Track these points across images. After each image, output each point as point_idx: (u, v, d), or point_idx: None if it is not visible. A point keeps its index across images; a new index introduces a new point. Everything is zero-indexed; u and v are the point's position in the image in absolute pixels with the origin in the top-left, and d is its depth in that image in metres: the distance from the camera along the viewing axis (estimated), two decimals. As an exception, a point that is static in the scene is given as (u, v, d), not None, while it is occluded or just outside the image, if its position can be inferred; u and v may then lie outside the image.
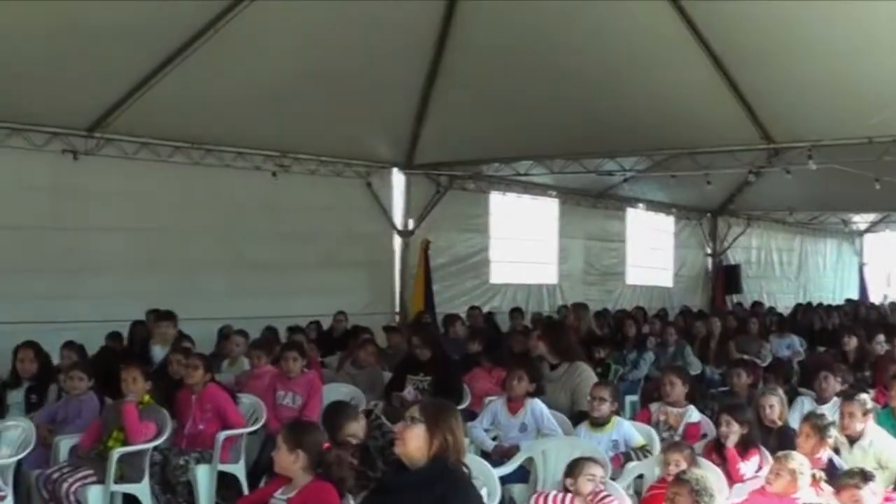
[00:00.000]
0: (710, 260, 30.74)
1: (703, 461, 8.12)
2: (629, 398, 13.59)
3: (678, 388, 9.85)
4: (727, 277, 30.16)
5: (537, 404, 9.68)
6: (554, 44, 14.18)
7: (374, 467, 7.25)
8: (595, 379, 10.46)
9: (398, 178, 20.23)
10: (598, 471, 7.49)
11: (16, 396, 10.57)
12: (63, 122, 14.67)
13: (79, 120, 14.78)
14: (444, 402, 6.11)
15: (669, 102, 15.13)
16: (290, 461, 6.33)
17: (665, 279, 29.31)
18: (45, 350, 11.28)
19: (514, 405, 9.75)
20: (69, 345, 12.44)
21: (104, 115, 14.68)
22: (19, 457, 9.07)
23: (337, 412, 8.07)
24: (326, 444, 6.56)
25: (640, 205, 27.16)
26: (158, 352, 12.55)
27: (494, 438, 9.79)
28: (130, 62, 13.43)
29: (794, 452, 7.53)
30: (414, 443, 5.54)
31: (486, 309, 20.79)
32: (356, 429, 7.68)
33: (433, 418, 5.57)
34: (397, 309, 20.42)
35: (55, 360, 12.17)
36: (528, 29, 13.97)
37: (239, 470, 10.06)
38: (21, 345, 11.01)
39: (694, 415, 9.76)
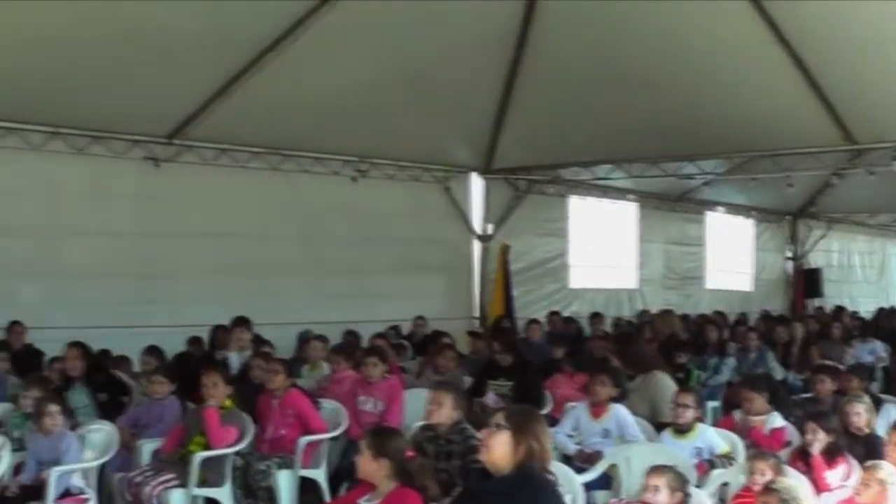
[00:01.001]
0: (790, 263, 30.28)
1: (789, 470, 7.97)
2: (710, 404, 13.43)
3: (757, 403, 9.74)
4: (808, 281, 29.65)
5: (620, 410, 9.61)
6: (632, 46, 14.05)
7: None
8: (673, 387, 10.36)
9: (477, 183, 20.16)
10: (661, 480, 7.31)
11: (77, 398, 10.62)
12: (144, 129, 14.82)
13: (159, 127, 14.92)
14: (530, 408, 6.03)
15: (749, 104, 14.92)
16: (373, 468, 6.27)
17: (744, 283, 28.97)
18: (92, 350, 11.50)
19: (596, 410, 9.68)
20: (150, 349, 12.50)
21: (184, 122, 14.80)
22: (103, 460, 9.18)
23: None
24: (410, 452, 6.49)
25: (720, 208, 26.82)
26: (233, 358, 12.59)
27: (576, 444, 9.70)
28: (210, 69, 13.48)
29: (882, 462, 7.37)
30: (499, 450, 5.49)
31: (565, 314, 20.69)
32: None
33: (519, 425, 5.51)
34: (476, 314, 20.34)
35: (136, 366, 12.37)
36: (606, 32, 13.86)
37: (320, 475, 10.07)
38: (68, 344, 11.20)
39: (777, 420, 9.63)
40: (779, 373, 15.07)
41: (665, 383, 10.36)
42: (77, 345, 11.16)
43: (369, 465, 6.29)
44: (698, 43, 13.76)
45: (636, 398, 10.25)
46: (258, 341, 13.30)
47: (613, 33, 13.84)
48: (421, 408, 10.41)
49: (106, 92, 13.13)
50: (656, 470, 7.26)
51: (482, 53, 14.70)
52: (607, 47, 14.21)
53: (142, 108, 13.96)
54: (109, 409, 10.53)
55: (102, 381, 11.04)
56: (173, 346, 13.63)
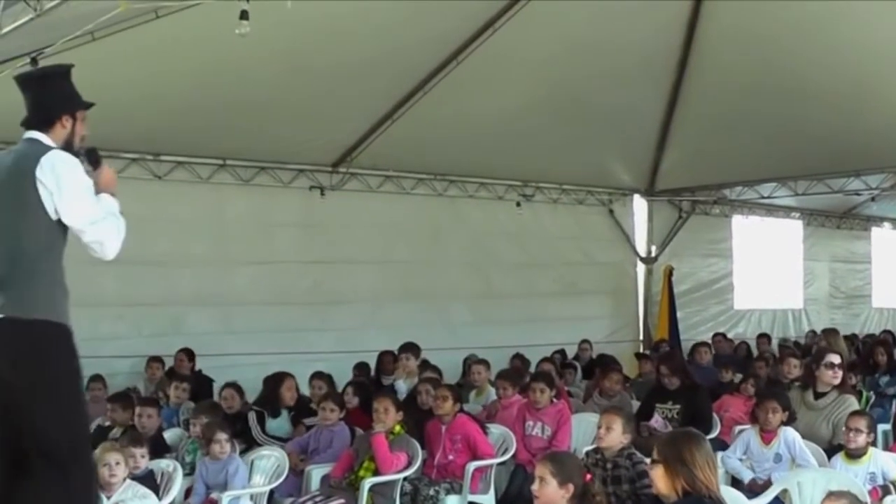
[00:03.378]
0: (959, 279, 29.44)
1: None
2: (881, 427, 13.07)
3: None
4: (978, 297, 28.86)
5: (790, 433, 9.39)
6: (796, 61, 13.82)
7: None
8: (860, 412, 10.09)
9: (640, 205, 20.11)
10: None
11: (278, 425, 10.83)
12: (309, 158, 15.09)
13: (324, 156, 15.17)
14: (683, 435, 5.90)
15: (917, 116, 14.59)
16: (559, 495, 6.23)
17: (913, 301, 28.32)
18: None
19: (767, 436, 9.48)
20: (318, 375, 12.65)
21: (348, 150, 15.01)
22: (273, 485, 9.29)
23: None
24: (588, 476, 6.45)
25: (886, 224, 26.29)
26: (400, 384, 12.69)
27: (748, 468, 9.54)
28: (373, 98, 13.65)
29: None
30: (660, 483, 5.52)
31: (730, 335, 20.39)
32: None
33: (669, 457, 5.49)
34: (641, 336, 20.20)
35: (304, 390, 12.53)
36: (768, 48, 13.66)
37: (489, 500, 10.01)
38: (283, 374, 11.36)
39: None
40: (950, 395, 14.62)
41: (855, 407, 10.08)
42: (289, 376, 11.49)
43: (555, 493, 6.24)
44: (862, 54, 13.46)
45: (821, 417, 10.02)
46: (425, 366, 13.36)
47: (775, 49, 13.64)
48: (588, 432, 10.43)
49: (272, 123, 13.38)
50: (834, 496, 7.09)
51: (644, 74, 14.61)
52: (769, 64, 14.00)
53: (307, 137, 14.22)
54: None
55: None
56: (340, 371, 13.70)
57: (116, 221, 5.90)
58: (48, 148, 5.80)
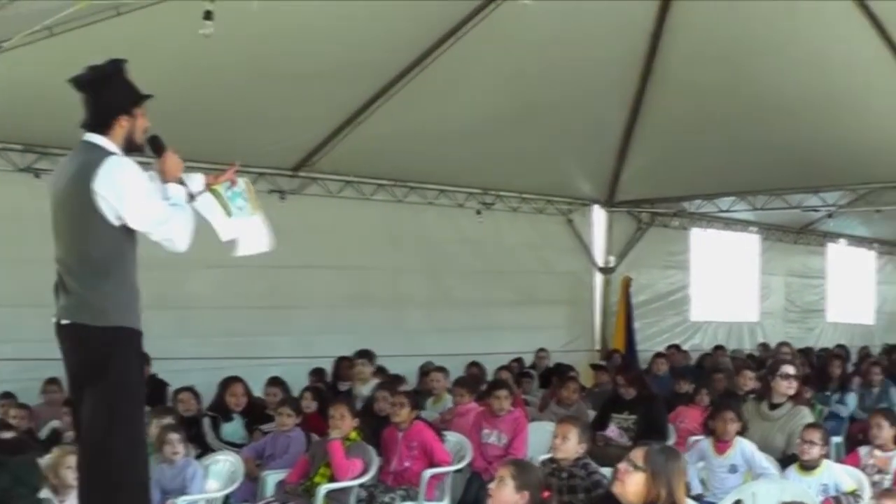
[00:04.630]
0: (911, 296, 29.75)
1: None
2: (834, 439, 13.16)
3: (886, 431, 9.53)
4: (929, 315, 29.15)
5: (746, 444, 9.45)
6: (757, 78, 13.89)
7: None
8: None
9: (599, 215, 20.15)
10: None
11: (233, 430, 10.78)
12: (268, 162, 14.94)
13: (284, 160, 15.07)
14: (672, 450, 5.98)
15: (875, 135, 14.65)
16: (513, 499, 6.23)
17: (866, 316, 28.55)
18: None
19: (722, 446, 9.52)
20: (274, 381, 12.60)
21: (309, 155, 14.94)
22: (227, 491, 9.24)
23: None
24: (547, 492, 6.44)
25: (842, 240, 26.50)
26: (360, 389, 12.68)
27: (701, 481, 9.58)
28: (335, 102, 13.58)
29: None
30: (632, 489, 5.53)
31: (685, 346, 20.50)
32: None
33: (657, 469, 5.52)
34: (598, 346, 20.25)
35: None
36: (731, 65, 13.73)
37: (444, 508, 10.04)
38: (230, 379, 11.32)
39: (904, 459, 9.42)
40: (903, 408, 14.74)
41: (810, 419, 10.15)
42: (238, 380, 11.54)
43: (510, 497, 6.25)
44: (822, 74, 13.57)
45: (775, 428, 10.08)
46: (381, 373, 13.35)
47: (738, 65, 13.71)
48: (544, 441, 10.41)
49: (232, 126, 13.27)
50: (787, 507, 7.16)
51: (606, 86, 14.64)
52: (730, 80, 14.07)
53: (267, 141, 14.10)
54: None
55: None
56: (296, 376, 13.68)
57: (183, 214, 5.94)
58: (105, 155, 5.78)
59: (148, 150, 6.03)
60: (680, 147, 16.38)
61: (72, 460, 7.74)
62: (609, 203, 19.67)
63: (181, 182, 6.09)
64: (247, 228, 6.55)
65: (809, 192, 18.68)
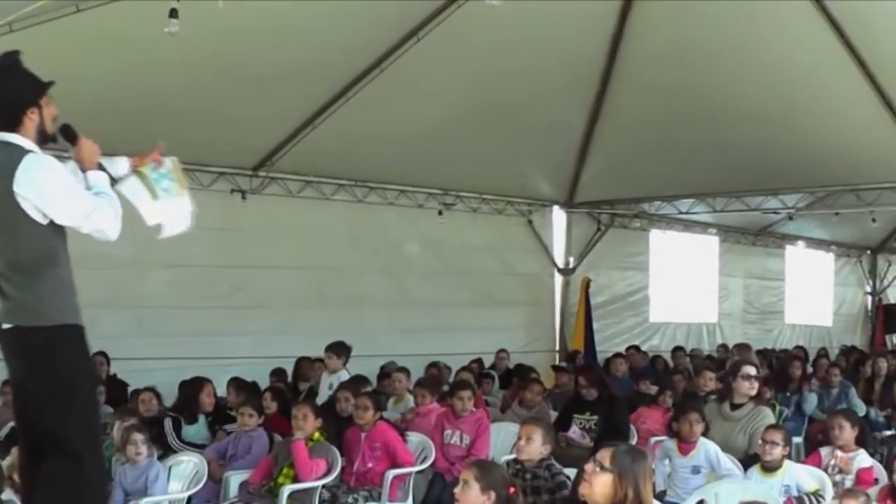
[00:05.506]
0: (869, 298, 29.95)
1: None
2: (793, 440, 13.25)
3: (847, 432, 9.55)
4: (887, 316, 29.23)
5: (710, 445, 9.46)
6: (717, 81, 14.02)
7: None
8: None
9: (559, 216, 20.23)
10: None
11: (196, 431, 10.73)
12: (229, 161, 14.94)
13: (244, 159, 15.04)
14: (638, 451, 5.96)
15: (834, 138, 14.83)
16: (480, 501, 6.21)
17: (824, 318, 28.74)
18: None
19: (686, 447, 9.54)
20: (234, 381, 12.56)
21: (269, 154, 14.92)
22: (191, 492, 9.16)
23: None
24: (513, 489, 6.43)
25: (800, 242, 26.68)
26: (324, 379, 12.67)
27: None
28: (296, 102, 13.59)
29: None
30: (599, 489, 5.50)
31: (644, 347, 20.54)
32: None
33: (624, 469, 5.50)
34: (557, 347, 20.31)
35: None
36: (691, 67, 13.84)
37: (407, 508, 10.03)
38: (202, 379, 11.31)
39: (865, 459, 9.45)
40: (861, 409, 14.80)
41: (771, 419, 10.20)
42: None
43: (476, 499, 6.23)
44: (782, 78, 13.70)
45: (737, 428, 10.11)
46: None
47: (698, 69, 13.84)
48: (506, 441, 10.46)
49: (193, 124, 13.20)
50: (748, 507, 7.19)
51: (567, 87, 14.71)
52: (690, 82, 14.19)
53: (227, 140, 14.08)
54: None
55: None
56: (256, 376, 13.64)
57: (109, 202, 5.83)
58: (22, 154, 5.66)
59: (62, 139, 5.93)
60: (640, 149, 16.46)
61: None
62: (569, 204, 19.73)
63: (101, 167, 5.99)
64: (172, 210, 6.42)
65: (768, 195, 18.78)
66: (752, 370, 10.45)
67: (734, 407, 10.34)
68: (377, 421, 10.06)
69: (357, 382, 12.11)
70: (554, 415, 12.28)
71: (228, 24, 10.35)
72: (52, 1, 8.44)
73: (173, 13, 8.02)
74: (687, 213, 20.68)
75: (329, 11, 11.16)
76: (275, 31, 11.37)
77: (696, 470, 9.45)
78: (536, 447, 7.99)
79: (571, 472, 7.57)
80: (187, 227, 6.51)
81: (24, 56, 5.91)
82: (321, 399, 12.10)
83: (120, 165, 6.23)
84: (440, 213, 17.75)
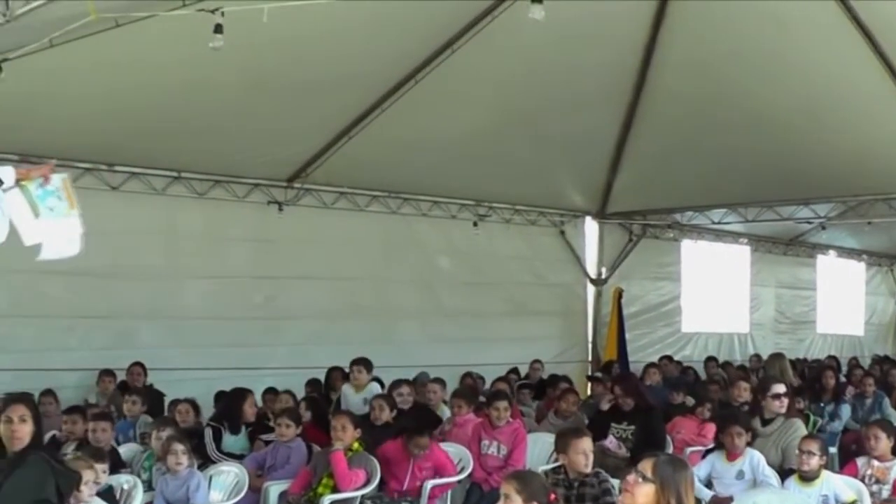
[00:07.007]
0: (901, 308, 29.90)
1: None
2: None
3: (883, 442, 9.52)
4: (917, 326, 29.29)
5: (756, 455, 9.49)
6: (750, 90, 13.95)
7: None
8: (808, 435, 10.18)
9: (591, 227, 20.20)
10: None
11: (236, 441, 10.78)
12: (264, 173, 15.02)
13: (280, 171, 15.10)
14: (680, 461, 5.96)
15: (866, 147, 14.76)
16: (524, 512, 6.25)
17: (856, 327, 28.66)
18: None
19: (732, 455, 9.56)
20: (269, 391, 12.61)
21: (304, 166, 14.98)
22: (232, 502, 9.20)
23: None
24: (553, 495, 6.46)
25: (831, 252, 26.62)
26: (350, 394, 12.69)
27: (709, 485, 9.59)
28: (331, 114, 13.61)
29: None
30: (642, 500, 5.50)
31: (676, 357, 20.48)
32: None
33: (666, 480, 5.50)
34: (590, 357, 20.31)
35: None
36: (723, 76, 13.78)
37: (446, 518, 10.06)
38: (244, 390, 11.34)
39: (901, 468, 9.45)
40: (895, 418, 14.77)
41: (802, 431, 10.16)
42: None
43: None
44: (815, 87, 13.63)
45: (769, 443, 10.08)
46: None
47: (731, 78, 13.76)
48: (542, 452, 10.47)
49: (228, 137, 13.31)
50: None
51: (599, 98, 14.68)
52: (724, 91, 14.12)
53: (263, 152, 14.17)
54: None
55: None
56: (290, 387, 13.59)
57: None
58: None
59: None
60: (671, 159, 16.45)
61: (88, 474, 7.69)
62: (601, 214, 19.72)
63: None
64: (55, 231, 6.19)
65: (800, 204, 18.72)
66: (781, 388, 10.43)
67: (765, 422, 10.32)
68: (432, 445, 10.08)
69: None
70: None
71: (264, 38, 10.37)
72: (105, 13, 8.48)
73: (218, 28, 8.06)
74: (719, 223, 20.62)
75: (363, 23, 11.18)
76: (308, 44, 11.38)
77: (740, 475, 9.47)
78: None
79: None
80: (75, 251, 6.27)
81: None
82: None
83: (6, 175, 6.03)
84: (475, 224, 17.81)
